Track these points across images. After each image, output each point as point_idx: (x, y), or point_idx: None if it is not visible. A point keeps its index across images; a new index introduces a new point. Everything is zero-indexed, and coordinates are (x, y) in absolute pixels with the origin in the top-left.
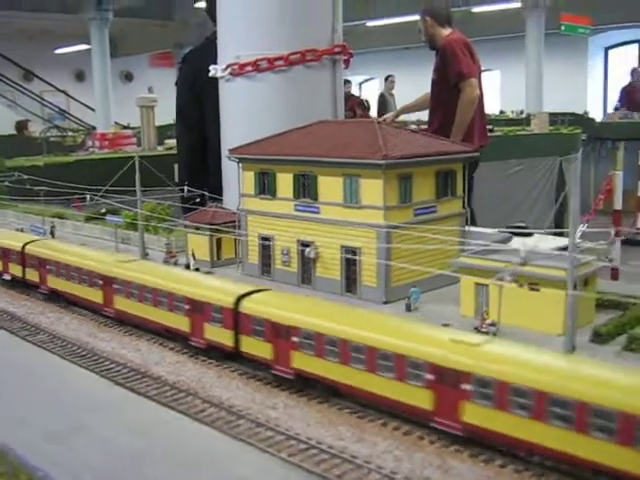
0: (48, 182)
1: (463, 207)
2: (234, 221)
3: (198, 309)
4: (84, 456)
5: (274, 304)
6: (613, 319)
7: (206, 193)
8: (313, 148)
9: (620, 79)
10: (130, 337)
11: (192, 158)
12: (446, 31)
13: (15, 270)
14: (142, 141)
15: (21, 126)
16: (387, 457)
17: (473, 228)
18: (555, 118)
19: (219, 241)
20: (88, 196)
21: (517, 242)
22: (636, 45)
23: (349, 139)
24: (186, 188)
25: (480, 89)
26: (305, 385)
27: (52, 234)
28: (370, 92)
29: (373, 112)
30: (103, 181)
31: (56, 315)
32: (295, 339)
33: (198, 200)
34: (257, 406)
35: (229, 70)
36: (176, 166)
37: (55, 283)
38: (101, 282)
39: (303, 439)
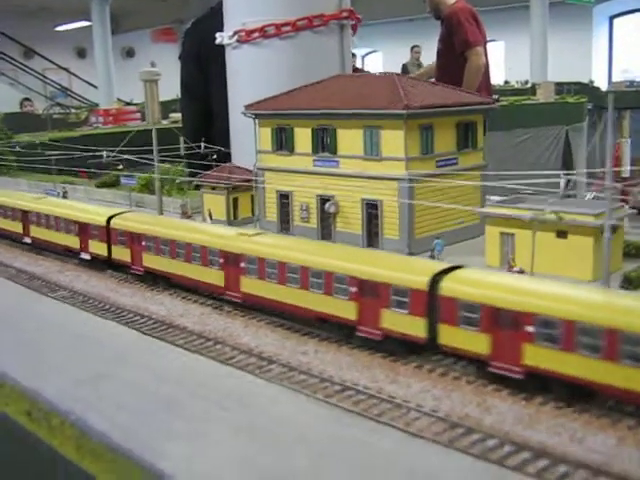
0: (61, 146)
1: (483, 159)
2: (250, 179)
3: (371, 292)
4: (116, 399)
5: (488, 285)
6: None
7: (222, 149)
8: (331, 101)
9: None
10: (152, 292)
11: (197, 128)
12: (451, 0)
13: (97, 248)
14: (146, 115)
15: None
16: (425, 396)
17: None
18: (560, 87)
19: (235, 200)
20: (105, 153)
21: None
22: None
23: (368, 91)
24: (203, 145)
25: (486, 58)
26: (538, 386)
27: (65, 198)
28: (373, 65)
29: None
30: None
31: (74, 273)
32: (529, 329)
33: (215, 157)
34: (287, 352)
35: (236, 37)
36: (181, 139)
37: (153, 262)
38: (222, 260)
39: (337, 381)
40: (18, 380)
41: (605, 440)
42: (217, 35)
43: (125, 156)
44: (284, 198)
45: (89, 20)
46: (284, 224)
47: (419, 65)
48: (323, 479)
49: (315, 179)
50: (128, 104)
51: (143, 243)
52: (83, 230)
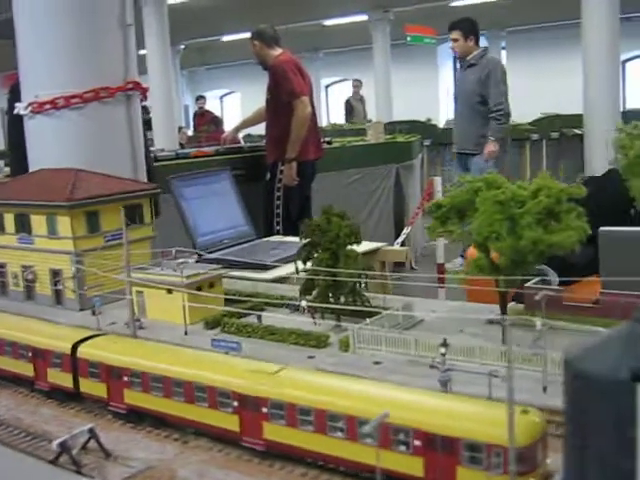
0: None
1: (152, 231)
2: None
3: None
4: None
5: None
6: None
7: None
8: (28, 193)
9: None
10: None
11: None
12: (276, 52)
13: None
14: None
15: None
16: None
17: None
18: (393, 127)
19: None
20: None
21: None
22: None
23: (54, 184)
24: None
25: (312, 106)
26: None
27: None
28: (232, 105)
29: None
30: None
31: None
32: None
33: None
34: None
35: (30, 108)
36: None
37: None
38: None
39: None
40: None
41: None
42: (15, 105)
43: None
44: (2, 267)
45: None
46: (3, 289)
47: (360, 99)
48: None
49: (19, 253)
50: None
51: None
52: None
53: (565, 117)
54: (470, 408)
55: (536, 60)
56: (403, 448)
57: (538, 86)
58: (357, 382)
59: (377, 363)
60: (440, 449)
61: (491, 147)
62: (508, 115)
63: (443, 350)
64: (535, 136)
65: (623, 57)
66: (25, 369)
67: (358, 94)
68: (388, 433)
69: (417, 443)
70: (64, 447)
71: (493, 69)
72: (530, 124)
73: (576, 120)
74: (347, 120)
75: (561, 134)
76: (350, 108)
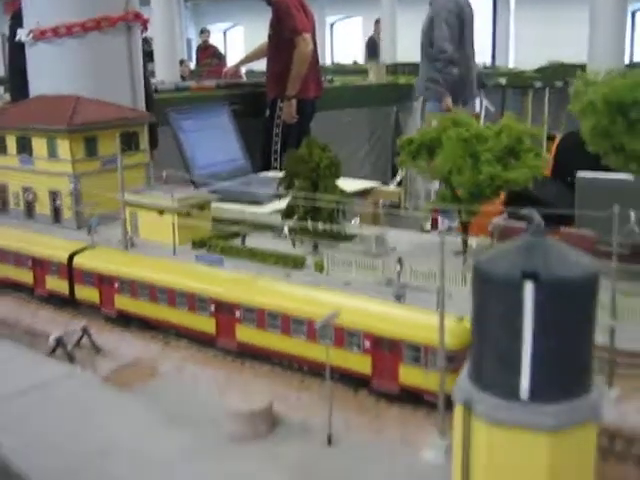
0: None
1: (145, 158)
2: None
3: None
4: None
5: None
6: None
7: None
8: (29, 117)
9: None
10: None
11: None
12: None
13: None
14: None
15: None
16: None
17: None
18: (395, 68)
19: None
20: None
21: None
22: None
23: (53, 110)
24: None
25: (314, 44)
26: None
27: None
28: (236, 40)
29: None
30: None
31: None
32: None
33: None
34: None
35: (31, 35)
36: None
37: None
38: None
39: None
40: None
41: None
42: (17, 32)
43: None
44: (3, 187)
45: None
46: (4, 207)
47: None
48: None
49: (20, 174)
50: None
51: None
52: None
53: (570, 66)
54: (414, 316)
55: (545, 6)
56: (355, 348)
57: (546, 34)
58: (321, 291)
59: (347, 284)
60: (386, 349)
61: (447, 103)
62: (452, 61)
63: (398, 268)
64: (538, 84)
65: (632, 8)
66: (26, 277)
67: (379, 34)
68: (342, 335)
69: (366, 344)
70: (59, 342)
71: (438, 11)
72: (534, 72)
73: (581, 70)
74: (369, 58)
75: (565, 83)
76: (373, 45)
